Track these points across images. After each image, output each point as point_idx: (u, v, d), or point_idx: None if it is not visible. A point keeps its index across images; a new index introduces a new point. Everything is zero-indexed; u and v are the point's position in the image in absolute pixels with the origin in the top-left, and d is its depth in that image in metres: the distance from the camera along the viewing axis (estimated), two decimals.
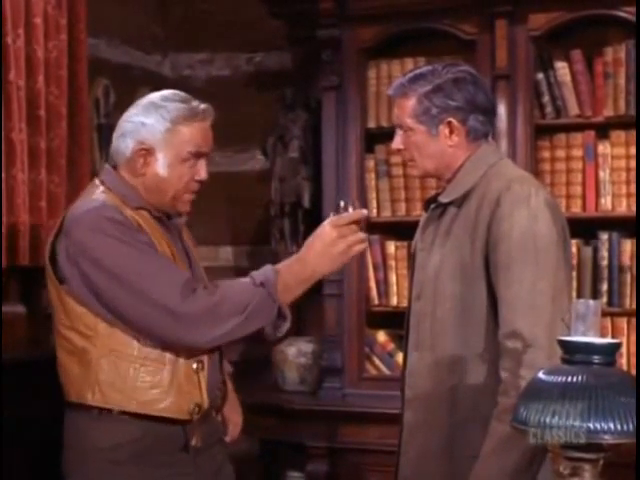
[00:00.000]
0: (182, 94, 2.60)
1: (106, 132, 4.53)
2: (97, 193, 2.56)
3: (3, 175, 3.70)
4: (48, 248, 2.54)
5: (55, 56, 3.97)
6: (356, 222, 2.47)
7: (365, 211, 2.50)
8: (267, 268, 2.48)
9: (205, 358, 2.56)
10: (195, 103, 2.57)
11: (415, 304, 2.63)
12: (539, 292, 2.39)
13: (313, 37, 4.15)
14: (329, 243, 2.44)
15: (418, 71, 2.62)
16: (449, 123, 2.56)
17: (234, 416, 2.89)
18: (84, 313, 2.48)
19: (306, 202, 4.44)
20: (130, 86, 4.71)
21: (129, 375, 2.47)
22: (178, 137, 2.52)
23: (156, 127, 2.52)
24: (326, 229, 2.45)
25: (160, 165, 2.53)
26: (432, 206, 2.64)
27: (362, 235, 2.47)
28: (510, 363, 2.36)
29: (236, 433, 2.91)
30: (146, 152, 2.53)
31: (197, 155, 2.55)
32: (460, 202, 2.55)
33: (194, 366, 2.52)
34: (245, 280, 2.48)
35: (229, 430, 2.87)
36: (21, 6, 3.79)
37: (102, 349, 2.47)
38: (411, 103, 2.57)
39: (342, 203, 2.50)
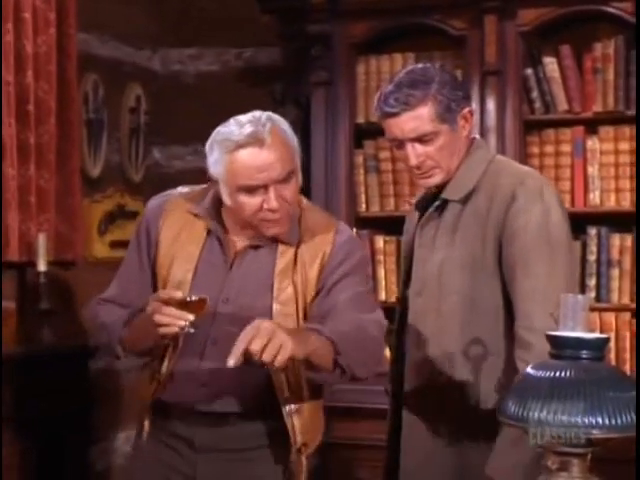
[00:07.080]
0: (243, 118, 2.34)
1: (95, 127, 4.53)
2: (185, 187, 2.60)
3: None
4: None
5: (44, 51, 3.95)
6: (186, 306, 2.25)
7: (179, 294, 2.26)
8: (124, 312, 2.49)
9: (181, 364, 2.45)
10: (242, 129, 2.31)
11: (415, 300, 2.60)
12: (554, 285, 2.40)
13: (303, 33, 4.14)
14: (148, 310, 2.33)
15: (410, 77, 2.50)
16: (466, 113, 2.52)
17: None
18: None
19: None
20: (119, 81, 4.70)
21: None
22: (224, 169, 2.34)
23: (209, 160, 2.38)
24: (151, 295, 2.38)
25: (224, 194, 2.39)
26: (436, 203, 2.57)
27: (176, 321, 2.23)
28: (526, 355, 2.35)
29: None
30: (217, 182, 2.40)
31: (248, 189, 2.34)
32: (464, 198, 2.53)
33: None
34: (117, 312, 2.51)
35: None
36: (10, 1, 3.78)
37: None
38: (427, 108, 2.46)
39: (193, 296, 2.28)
